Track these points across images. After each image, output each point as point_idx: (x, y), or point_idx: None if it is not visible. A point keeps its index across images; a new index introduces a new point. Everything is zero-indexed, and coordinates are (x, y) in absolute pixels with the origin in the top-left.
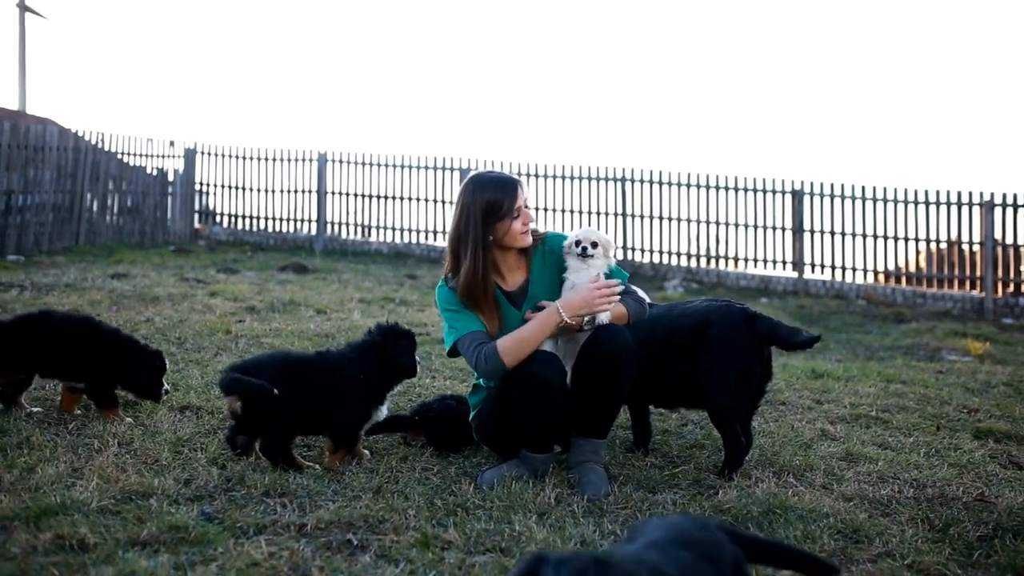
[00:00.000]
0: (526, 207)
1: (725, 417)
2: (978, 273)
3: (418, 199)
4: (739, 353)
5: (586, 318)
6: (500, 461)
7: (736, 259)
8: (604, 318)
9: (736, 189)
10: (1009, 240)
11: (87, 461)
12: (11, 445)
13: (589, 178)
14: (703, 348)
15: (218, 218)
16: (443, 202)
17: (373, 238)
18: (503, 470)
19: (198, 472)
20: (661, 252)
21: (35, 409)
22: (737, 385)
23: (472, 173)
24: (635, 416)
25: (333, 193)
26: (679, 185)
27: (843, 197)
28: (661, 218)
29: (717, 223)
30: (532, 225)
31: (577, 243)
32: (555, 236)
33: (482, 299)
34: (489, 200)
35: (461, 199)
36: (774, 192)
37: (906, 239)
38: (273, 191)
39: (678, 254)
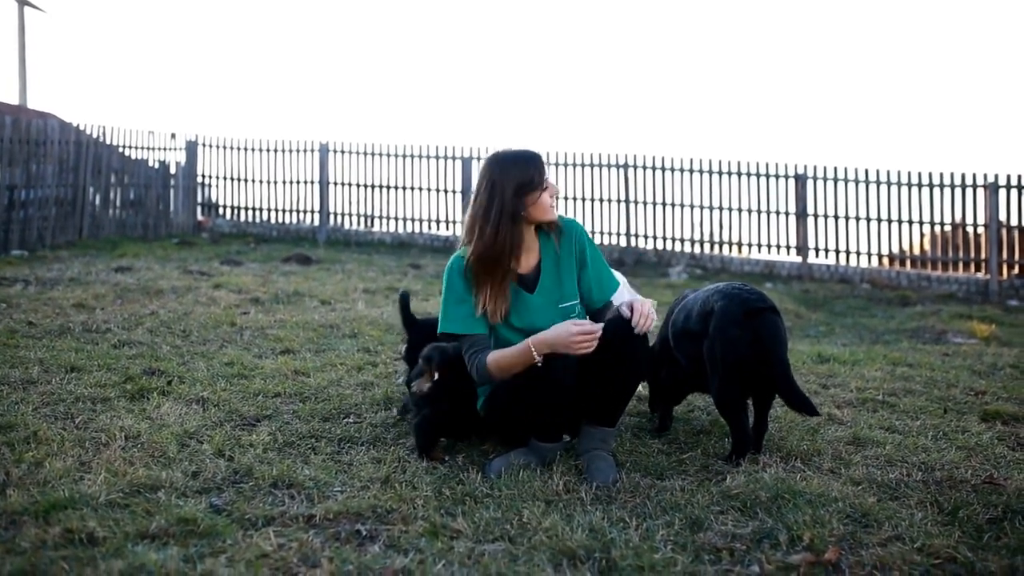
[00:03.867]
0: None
1: (723, 406)
2: (983, 255)
3: (421, 188)
4: (731, 345)
5: (538, 360)
6: (508, 449)
7: (740, 244)
8: None
9: (739, 174)
10: (1014, 222)
11: (95, 455)
12: (19, 440)
13: (591, 165)
14: (705, 336)
15: (221, 210)
16: (446, 191)
17: (376, 228)
18: (510, 458)
19: (205, 464)
20: (665, 238)
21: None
22: (731, 376)
23: (492, 153)
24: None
25: (335, 183)
26: (682, 171)
27: (846, 181)
28: (664, 204)
29: (720, 208)
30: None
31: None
32: (564, 220)
33: (497, 273)
34: (521, 173)
35: (487, 176)
36: (777, 177)
37: (910, 222)
38: (276, 182)
39: (682, 240)
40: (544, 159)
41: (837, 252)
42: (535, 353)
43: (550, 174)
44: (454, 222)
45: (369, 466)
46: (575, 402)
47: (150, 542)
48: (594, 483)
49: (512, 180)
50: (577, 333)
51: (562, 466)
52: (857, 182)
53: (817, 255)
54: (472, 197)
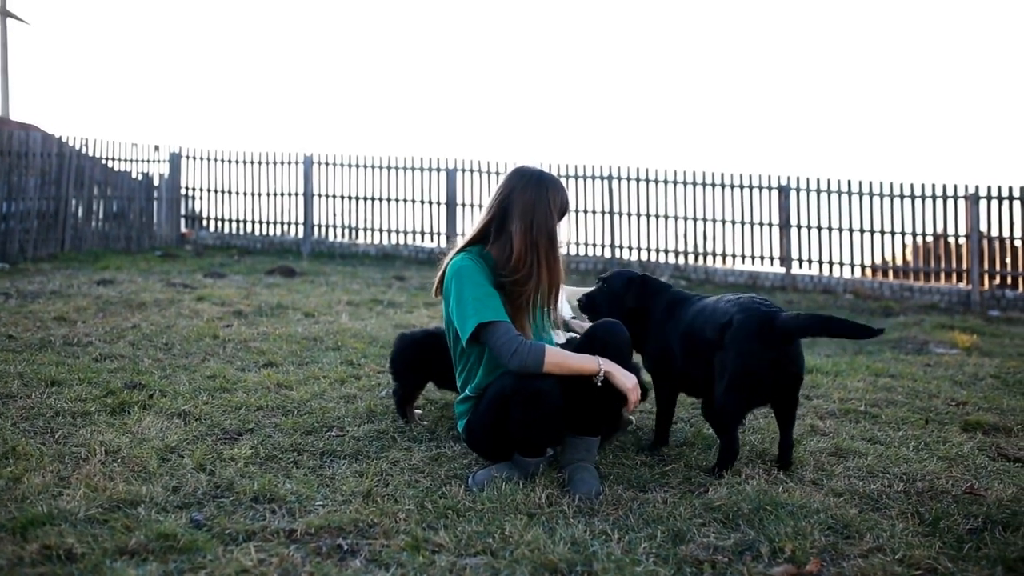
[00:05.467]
0: None
1: (722, 417)
2: (964, 266)
3: (405, 200)
4: (747, 357)
5: (601, 375)
6: (490, 463)
7: (724, 255)
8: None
9: (723, 186)
10: (995, 232)
11: (74, 470)
12: None
13: (576, 176)
14: (720, 347)
15: (205, 222)
16: (430, 203)
17: (360, 240)
18: (493, 471)
19: (186, 479)
20: (649, 249)
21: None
22: (740, 389)
23: (523, 166)
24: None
25: (320, 195)
26: (666, 182)
27: (829, 192)
28: (648, 215)
29: (704, 220)
30: None
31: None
32: None
33: (542, 303)
34: (564, 199)
35: (533, 192)
36: (761, 188)
37: (893, 233)
38: (260, 194)
39: (666, 251)
40: None
41: (820, 263)
42: (601, 369)
43: None
44: (439, 234)
45: (351, 480)
46: (560, 418)
47: (129, 558)
48: (577, 495)
49: (559, 202)
50: (636, 390)
51: (545, 479)
52: (840, 193)
53: (800, 266)
54: (503, 210)
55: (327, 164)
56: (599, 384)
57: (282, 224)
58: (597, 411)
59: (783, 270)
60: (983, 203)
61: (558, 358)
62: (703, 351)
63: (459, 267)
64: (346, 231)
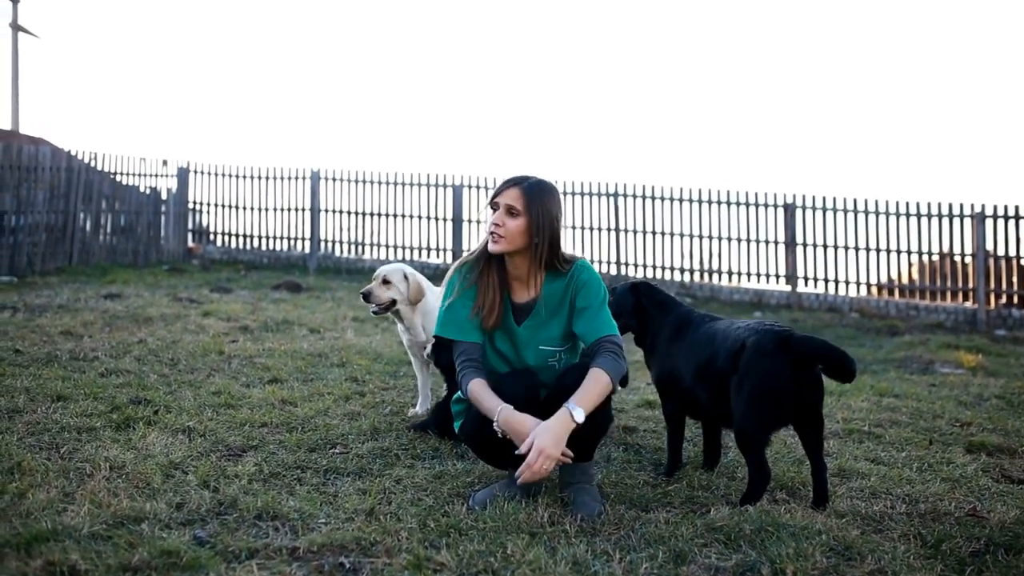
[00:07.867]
0: (510, 214)
1: (745, 441)
2: (970, 285)
3: (412, 216)
4: (765, 379)
5: (498, 429)
6: (493, 481)
7: (730, 273)
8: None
9: (729, 203)
10: (1001, 252)
11: (79, 486)
12: (2, 470)
13: (582, 193)
14: (735, 372)
15: (212, 237)
16: (437, 219)
17: (367, 255)
18: (495, 490)
19: (190, 496)
20: (654, 267)
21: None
22: (760, 411)
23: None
24: (706, 435)
25: (327, 211)
26: (672, 200)
27: (835, 210)
28: (654, 233)
29: (710, 237)
30: (497, 229)
31: None
32: (583, 267)
33: (481, 275)
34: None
35: None
36: (767, 206)
37: (899, 251)
38: (267, 209)
39: (671, 269)
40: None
41: (826, 281)
42: (497, 424)
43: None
44: (445, 250)
45: (354, 497)
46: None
47: (132, 575)
48: (579, 516)
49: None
50: (541, 462)
51: (547, 498)
52: (846, 211)
53: (806, 284)
54: None
55: (334, 179)
56: (497, 432)
57: (289, 239)
58: (589, 436)
59: (789, 288)
60: (989, 222)
61: (475, 395)
62: (715, 378)
63: (453, 273)
64: (352, 246)
